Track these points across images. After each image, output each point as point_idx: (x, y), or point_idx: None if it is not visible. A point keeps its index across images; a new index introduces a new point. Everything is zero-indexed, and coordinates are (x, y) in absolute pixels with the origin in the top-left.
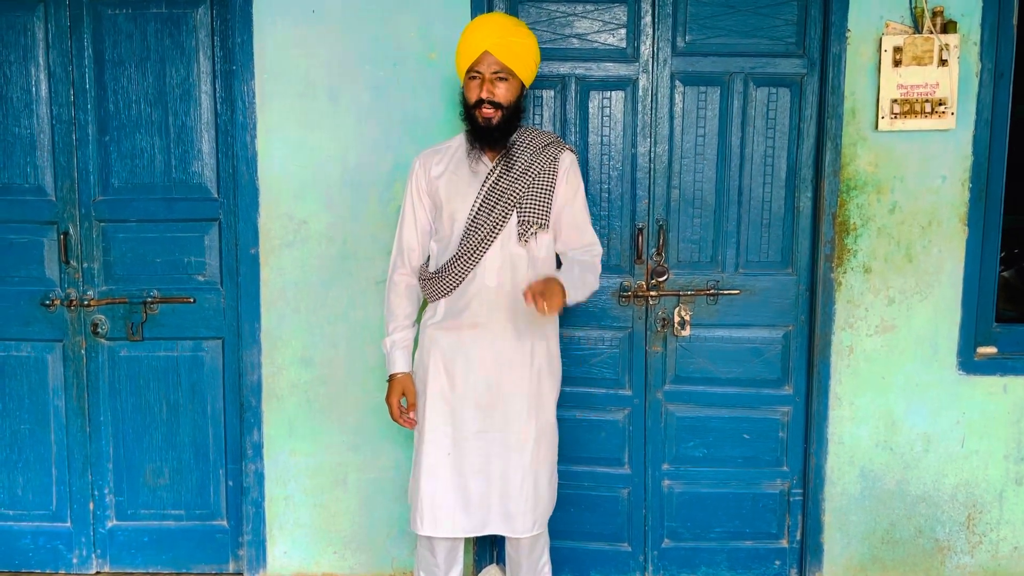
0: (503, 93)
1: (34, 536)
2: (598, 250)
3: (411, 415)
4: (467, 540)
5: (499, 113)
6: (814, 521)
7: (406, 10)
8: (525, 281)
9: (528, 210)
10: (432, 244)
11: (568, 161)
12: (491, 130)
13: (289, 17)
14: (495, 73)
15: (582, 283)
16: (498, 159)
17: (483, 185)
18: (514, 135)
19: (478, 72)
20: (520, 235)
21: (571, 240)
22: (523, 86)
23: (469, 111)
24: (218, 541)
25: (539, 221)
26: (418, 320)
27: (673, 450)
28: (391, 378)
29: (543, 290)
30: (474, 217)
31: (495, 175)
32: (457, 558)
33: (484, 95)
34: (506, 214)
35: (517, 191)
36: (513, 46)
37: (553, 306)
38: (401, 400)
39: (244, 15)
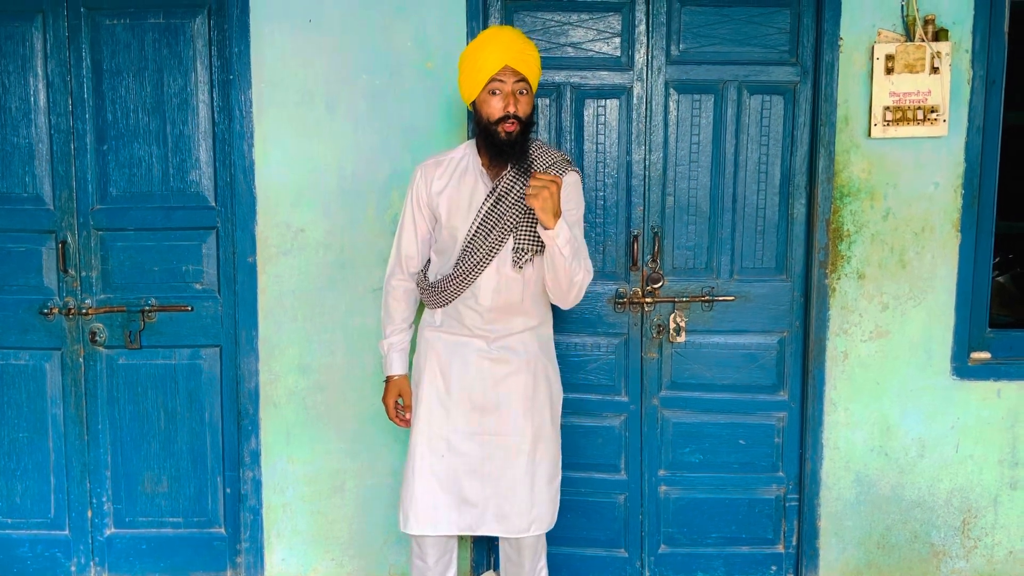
0: (524, 107)
1: (32, 544)
2: (590, 266)
3: (407, 416)
4: (463, 546)
5: (518, 127)
6: (810, 526)
7: (403, 20)
8: (519, 300)
9: (524, 236)
10: (432, 254)
11: (568, 186)
12: (512, 144)
13: (286, 27)
14: (517, 87)
15: (577, 246)
16: (499, 179)
17: (483, 206)
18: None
19: (499, 87)
20: (515, 262)
21: None
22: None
23: (489, 127)
24: (216, 548)
25: (534, 248)
26: (416, 322)
27: (669, 456)
28: (388, 379)
29: (548, 195)
30: (471, 239)
31: (495, 196)
32: (451, 563)
33: (511, 110)
34: (503, 238)
35: (515, 216)
36: (529, 59)
37: (542, 201)
38: (397, 400)
39: (241, 25)
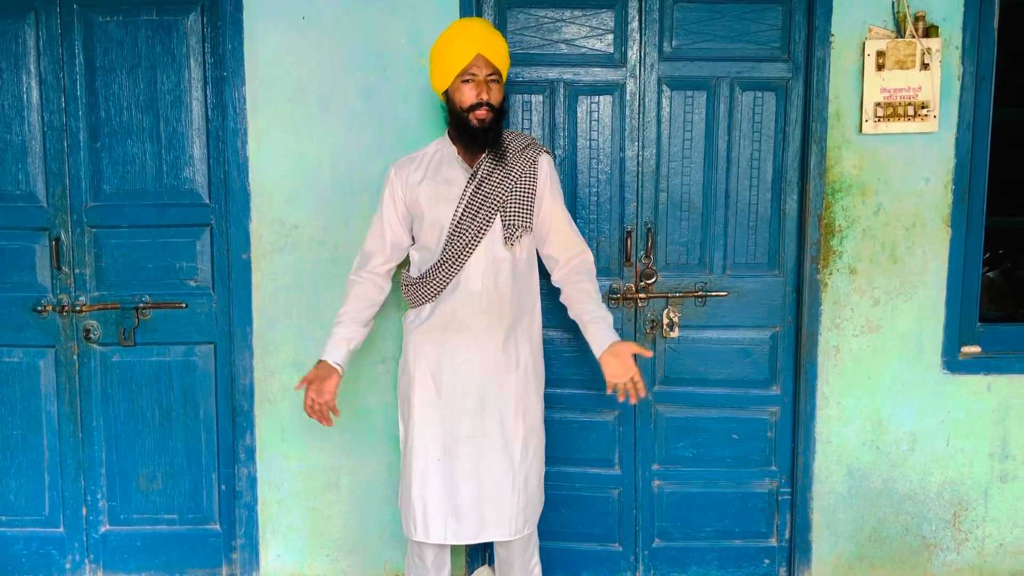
0: (496, 95)
1: (27, 542)
2: (590, 258)
3: (325, 409)
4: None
5: (491, 115)
6: (802, 520)
7: (396, 17)
8: (508, 283)
9: (513, 213)
10: (413, 252)
11: (547, 164)
12: (486, 131)
13: (280, 24)
14: (488, 75)
15: (611, 320)
16: (478, 163)
17: (466, 190)
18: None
19: (472, 75)
20: (506, 239)
21: (563, 246)
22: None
23: (461, 115)
24: (211, 545)
25: (524, 224)
26: (371, 323)
27: (663, 451)
28: (319, 362)
29: (630, 376)
30: (458, 222)
31: (477, 179)
32: (445, 561)
33: (484, 97)
34: (490, 218)
35: (500, 195)
36: (499, 49)
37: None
38: (316, 401)
39: (235, 22)
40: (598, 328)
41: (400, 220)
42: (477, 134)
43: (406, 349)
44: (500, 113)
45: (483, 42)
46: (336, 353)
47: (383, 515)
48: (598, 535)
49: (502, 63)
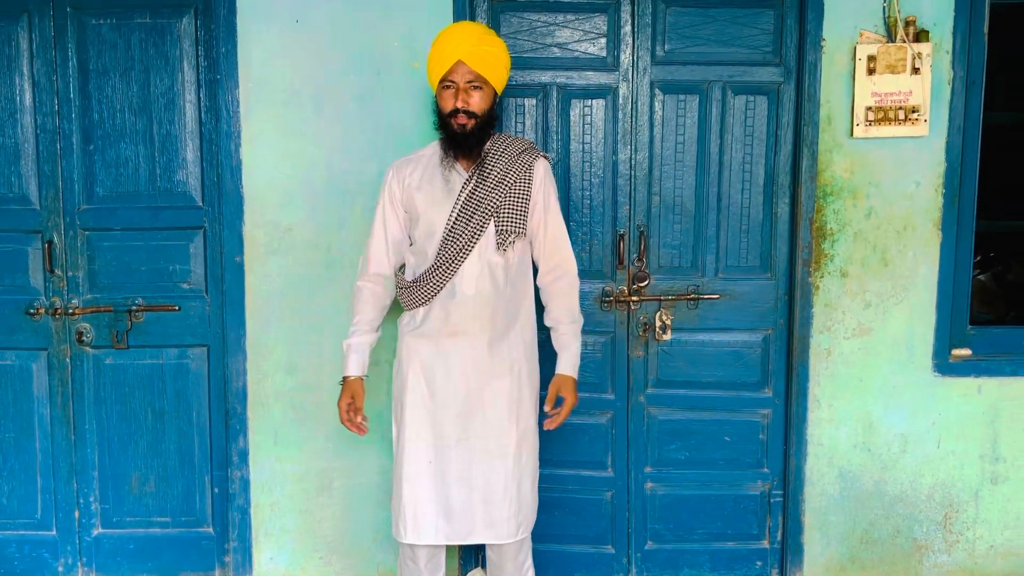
0: (477, 102)
1: (19, 544)
2: (574, 268)
3: (359, 420)
4: (451, 545)
5: (473, 121)
6: (794, 522)
7: (390, 20)
8: (502, 288)
9: (506, 219)
10: (408, 256)
11: (543, 169)
12: (466, 137)
13: (274, 27)
14: (469, 82)
15: (578, 343)
16: (473, 168)
17: (460, 195)
18: (488, 143)
19: (452, 81)
20: (499, 244)
21: (548, 252)
22: (495, 94)
23: (444, 120)
24: (204, 548)
25: (517, 229)
26: (381, 325)
27: (656, 453)
28: (344, 380)
29: (561, 408)
30: (452, 227)
31: (471, 184)
32: (439, 564)
33: (459, 104)
34: (484, 223)
35: (494, 200)
36: (485, 55)
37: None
38: (350, 403)
39: (228, 25)
40: (562, 355)
41: (399, 222)
42: (457, 139)
43: (400, 351)
44: (485, 120)
45: (465, 49)
46: (357, 368)
47: (376, 518)
48: (591, 537)
49: (489, 70)
